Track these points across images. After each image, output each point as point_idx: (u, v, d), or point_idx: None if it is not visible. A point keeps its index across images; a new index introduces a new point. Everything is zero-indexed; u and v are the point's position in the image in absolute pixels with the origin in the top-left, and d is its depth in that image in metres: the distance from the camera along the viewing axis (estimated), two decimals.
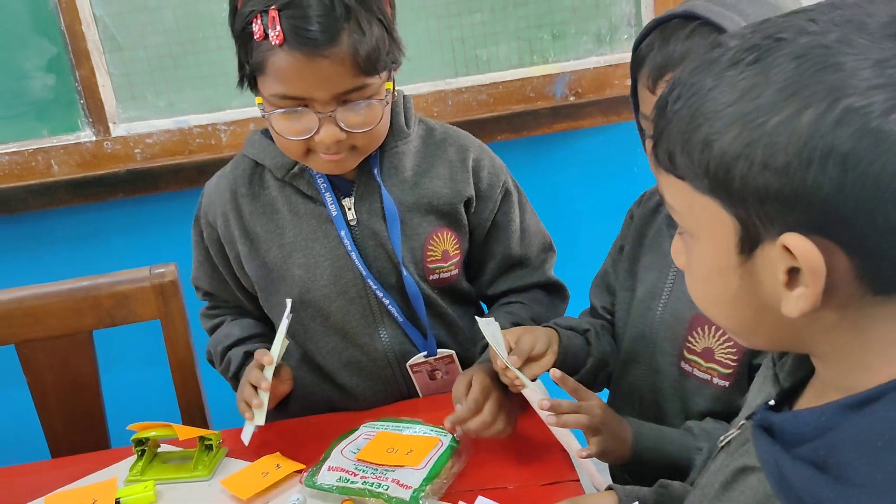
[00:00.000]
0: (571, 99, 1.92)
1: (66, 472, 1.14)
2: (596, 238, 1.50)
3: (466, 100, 1.91)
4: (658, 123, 0.58)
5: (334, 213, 1.16)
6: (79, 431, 1.38)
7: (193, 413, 1.38)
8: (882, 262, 0.50)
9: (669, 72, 0.93)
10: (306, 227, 1.17)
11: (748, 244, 0.54)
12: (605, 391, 1.21)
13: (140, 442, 1.12)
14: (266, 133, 1.20)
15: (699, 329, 1.05)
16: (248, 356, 1.20)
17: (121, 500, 1.05)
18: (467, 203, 1.21)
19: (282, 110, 1.05)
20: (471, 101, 1.91)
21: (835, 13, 0.51)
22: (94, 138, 1.84)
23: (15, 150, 1.82)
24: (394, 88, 1.10)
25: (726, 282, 0.57)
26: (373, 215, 1.17)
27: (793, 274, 0.52)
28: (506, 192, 1.25)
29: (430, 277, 1.20)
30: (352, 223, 1.17)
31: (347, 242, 1.16)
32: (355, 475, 1.00)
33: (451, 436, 1.05)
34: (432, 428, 1.07)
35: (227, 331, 1.28)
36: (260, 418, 1.10)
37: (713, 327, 1.03)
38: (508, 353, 1.01)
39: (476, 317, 1.07)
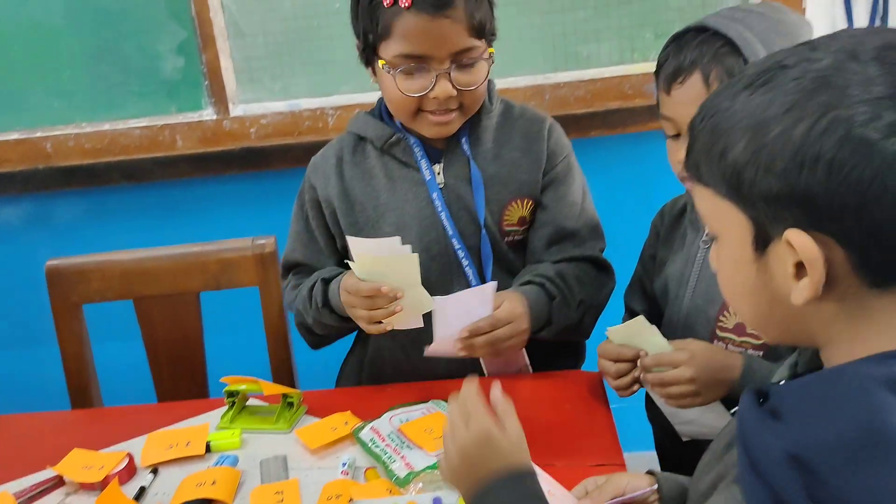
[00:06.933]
0: None
1: (168, 415, 1.28)
2: None
3: (564, 95, 1.95)
4: (689, 140, 0.66)
5: (428, 178, 1.29)
6: (182, 381, 1.53)
7: (282, 374, 1.50)
8: (872, 255, 0.56)
9: (681, 76, 1.04)
10: (399, 189, 1.31)
11: (761, 241, 0.61)
12: None
13: (231, 394, 1.25)
14: (369, 113, 1.36)
15: (728, 309, 1.12)
16: (326, 282, 1.30)
17: (210, 443, 1.17)
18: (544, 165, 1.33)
19: (402, 68, 1.19)
20: (568, 97, 1.95)
21: (833, 43, 0.59)
22: (214, 117, 2.00)
23: (146, 124, 2.01)
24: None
25: (745, 274, 0.63)
26: (459, 180, 1.29)
27: (800, 267, 0.58)
28: (569, 164, 1.35)
29: (506, 239, 1.33)
30: (440, 186, 1.29)
31: (438, 203, 1.28)
32: (384, 441, 1.09)
33: None
34: None
35: (307, 282, 1.35)
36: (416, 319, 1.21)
37: None
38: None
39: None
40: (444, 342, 1.20)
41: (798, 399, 0.58)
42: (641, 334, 1.10)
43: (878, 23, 1.82)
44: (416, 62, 1.18)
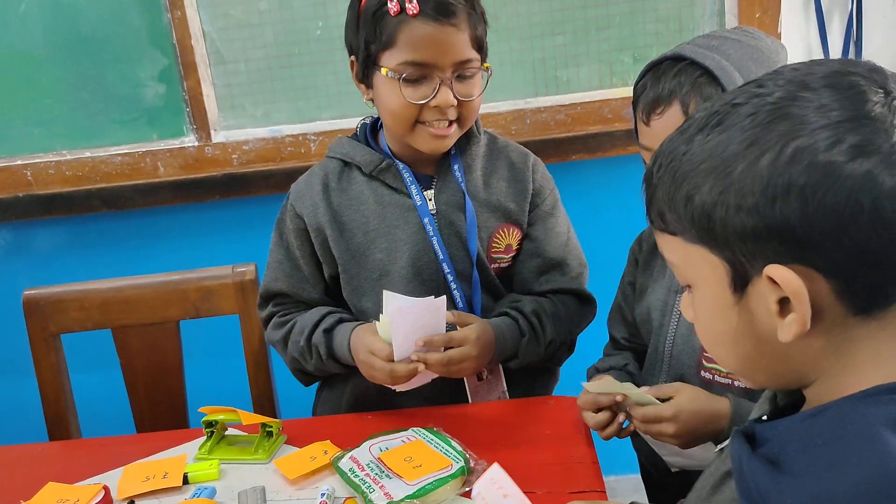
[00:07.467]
0: None
1: (146, 446, 1.26)
2: None
3: (544, 119, 1.97)
4: (647, 192, 0.66)
5: (419, 203, 1.29)
6: (161, 411, 1.52)
7: (263, 402, 1.50)
8: (856, 280, 0.55)
9: (660, 107, 1.04)
10: (390, 215, 1.30)
11: (740, 282, 0.60)
12: None
13: (210, 424, 1.23)
14: (353, 137, 1.36)
15: None
16: (328, 333, 1.30)
17: (188, 474, 1.16)
18: (530, 199, 1.35)
19: (405, 74, 1.19)
20: (549, 121, 1.97)
21: (778, 78, 0.59)
22: (196, 143, 2.00)
23: (127, 151, 2.00)
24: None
25: (726, 319, 0.62)
26: (451, 206, 1.30)
27: (783, 303, 0.57)
28: (555, 198, 1.39)
29: (492, 266, 1.34)
30: (432, 212, 1.30)
31: (430, 228, 1.29)
32: (363, 470, 1.08)
33: (462, 465, 1.07)
34: (456, 451, 1.11)
35: (299, 328, 1.34)
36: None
37: None
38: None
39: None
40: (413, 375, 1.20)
41: (800, 447, 0.56)
42: (615, 390, 1.09)
43: (851, 47, 1.85)
44: (420, 70, 1.19)
